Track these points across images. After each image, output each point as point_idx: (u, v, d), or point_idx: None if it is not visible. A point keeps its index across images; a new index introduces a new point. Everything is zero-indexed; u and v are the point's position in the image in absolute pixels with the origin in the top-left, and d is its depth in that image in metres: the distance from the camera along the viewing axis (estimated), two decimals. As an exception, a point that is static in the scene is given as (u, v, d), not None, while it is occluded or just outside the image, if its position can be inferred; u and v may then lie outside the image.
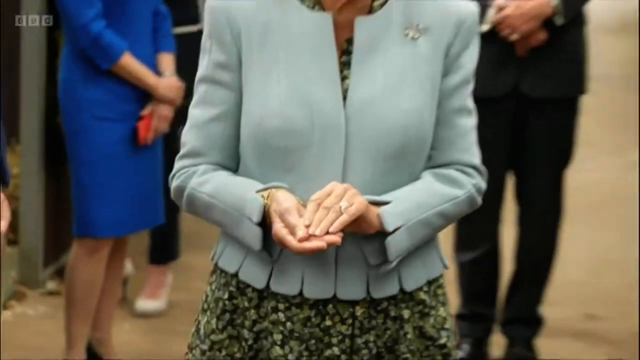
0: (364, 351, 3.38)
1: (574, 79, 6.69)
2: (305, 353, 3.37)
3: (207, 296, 3.47)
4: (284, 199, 3.19)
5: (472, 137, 3.46)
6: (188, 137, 3.41)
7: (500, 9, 6.31)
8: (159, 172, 6.27)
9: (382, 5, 3.34)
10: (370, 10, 3.33)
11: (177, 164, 3.42)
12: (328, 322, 3.36)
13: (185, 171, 3.40)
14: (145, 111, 6.08)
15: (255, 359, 3.40)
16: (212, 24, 3.37)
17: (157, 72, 6.16)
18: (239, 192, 3.31)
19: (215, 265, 3.45)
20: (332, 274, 3.31)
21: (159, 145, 6.26)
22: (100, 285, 6.14)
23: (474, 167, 3.43)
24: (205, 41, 3.41)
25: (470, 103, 3.43)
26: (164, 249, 7.35)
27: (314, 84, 3.32)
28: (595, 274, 7.47)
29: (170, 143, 6.51)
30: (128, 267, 7.10)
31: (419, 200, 3.33)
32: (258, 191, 3.23)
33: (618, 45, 12.54)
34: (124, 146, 6.01)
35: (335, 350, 3.37)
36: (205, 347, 3.41)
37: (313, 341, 3.36)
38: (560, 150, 6.78)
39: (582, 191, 6.99)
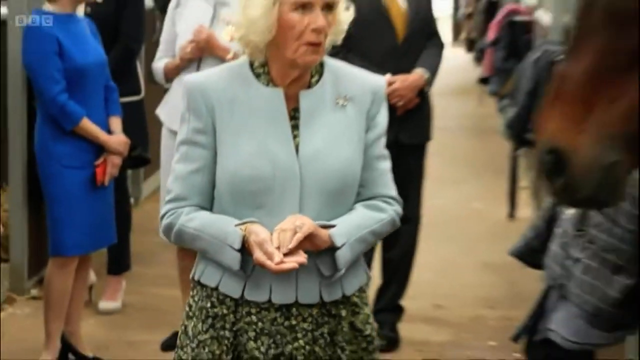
0: (321, 341, 3.58)
1: (427, 130, 6.99)
2: (273, 346, 3.54)
3: (190, 306, 3.64)
4: (260, 232, 3.37)
5: (389, 176, 3.69)
6: (173, 187, 3.56)
7: (390, 83, 6.47)
8: (112, 205, 6.43)
9: (317, 81, 3.56)
10: (309, 85, 3.55)
11: (165, 207, 3.58)
12: (293, 322, 3.54)
13: (173, 212, 3.53)
14: (100, 160, 6.17)
15: (235, 353, 3.57)
16: (189, 99, 3.53)
17: (109, 131, 6.28)
18: (221, 226, 3.46)
19: (197, 282, 3.61)
20: (294, 284, 3.50)
21: (111, 184, 6.35)
22: (70, 291, 6.26)
23: (393, 198, 3.68)
24: (184, 112, 3.54)
25: (385, 151, 3.68)
26: (119, 262, 7.44)
27: (274, 142, 3.48)
28: (442, 275, 7.72)
29: (118, 183, 6.73)
30: (92, 276, 7.11)
31: (357, 223, 3.53)
32: (237, 225, 3.41)
33: (456, 104, 12.88)
34: (85, 186, 6.16)
35: (301, 342, 3.55)
36: (193, 345, 3.59)
37: (279, 336, 3.53)
38: (419, 178, 6.98)
39: (430, 213, 7.24)
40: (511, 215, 8.04)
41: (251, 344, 3.55)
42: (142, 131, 7.12)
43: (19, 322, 7.08)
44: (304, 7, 3.40)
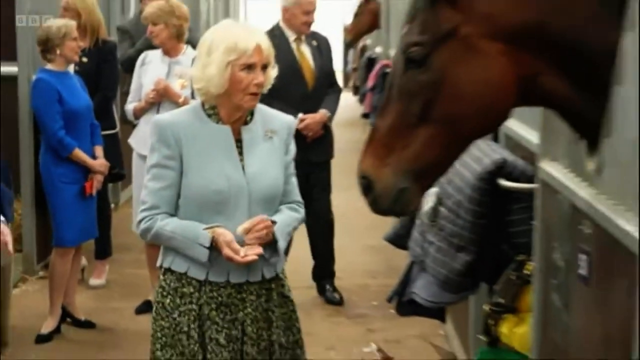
0: (260, 308, 3.62)
1: (330, 150, 7.08)
2: (229, 313, 3.56)
3: (163, 287, 3.59)
4: (227, 234, 3.44)
5: (297, 187, 3.81)
6: (147, 199, 3.54)
7: (302, 119, 6.61)
8: (95, 208, 6.40)
9: (251, 119, 3.62)
10: (246, 122, 3.61)
11: (141, 214, 3.56)
12: (244, 295, 3.58)
13: (149, 219, 3.51)
14: (89, 179, 6.22)
15: (199, 321, 3.55)
16: (160, 134, 3.52)
17: (94, 156, 6.30)
18: (192, 229, 3.48)
19: (167, 269, 3.58)
20: (245, 268, 3.53)
21: (95, 195, 6.35)
22: (68, 273, 6.26)
23: (301, 202, 3.80)
24: (154, 144, 3.53)
25: (294, 170, 3.78)
26: (104, 250, 7.33)
27: (228, 166, 3.53)
28: (338, 256, 7.35)
29: (101, 193, 6.68)
30: (84, 261, 7.09)
31: (286, 222, 3.64)
32: (205, 229, 3.46)
33: (347, 133, 12.93)
34: (76, 196, 6.17)
35: (249, 309, 3.59)
36: (170, 315, 3.56)
37: (233, 306, 3.57)
38: (328, 186, 7.07)
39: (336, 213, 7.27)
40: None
41: (213, 313, 3.55)
42: (118, 155, 7.09)
43: (30, 296, 7.02)
44: (249, 68, 3.46)
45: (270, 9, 24.92)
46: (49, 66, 6.20)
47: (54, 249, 6.33)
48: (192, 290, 3.57)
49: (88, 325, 6.46)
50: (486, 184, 3.96)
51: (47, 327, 6.21)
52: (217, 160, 3.54)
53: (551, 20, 2.60)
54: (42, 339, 6.16)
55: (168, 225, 3.52)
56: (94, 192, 6.30)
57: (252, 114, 3.65)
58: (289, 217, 3.70)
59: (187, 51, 6.54)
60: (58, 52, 6.11)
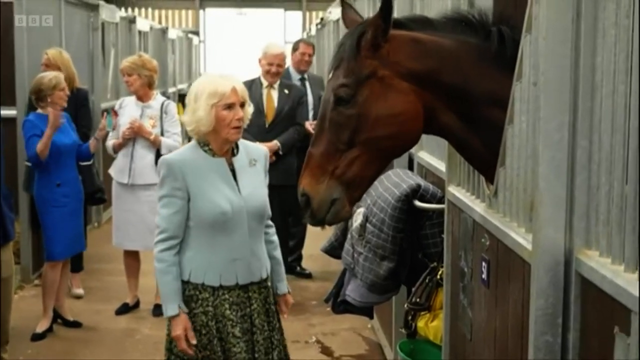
0: (262, 302, 3.64)
1: (294, 175, 6.98)
2: (239, 310, 3.56)
3: (184, 293, 3.53)
4: (184, 324, 3.48)
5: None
6: (161, 223, 3.51)
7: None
8: (82, 226, 6.34)
9: (238, 151, 3.63)
10: (234, 154, 3.62)
11: (157, 237, 3.52)
12: (250, 294, 3.60)
13: (163, 250, 3.50)
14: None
15: (217, 318, 3.53)
16: (168, 169, 3.50)
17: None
18: (171, 296, 3.49)
19: (186, 281, 3.53)
20: (249, 272, 3.57)
21: (82, 217, 6.33)
22: (58, 281, 6.18)
23: (270, 214, 3.75)
24: (164, 177, 3.51)
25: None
26: (78, 265, 7.01)
27: (228, 191, 3.53)
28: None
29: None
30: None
31: (282, 272, 3.82)
32: (177, 305, 3.47)
33: None
34: (64, 217, 6.06)
35: (254, 305, 3.60)
36: (190, 316, 3.53)
37: (242, 304, 3.57)
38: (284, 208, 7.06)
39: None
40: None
41: (227, 311, 3.53)
42: (94, 181, 6.72)
43: (27, 300, 6.91)
44: (229, 107, 3.50)
45: (224, 59, 25.33)
46: (39, 110, 6.12)
47: (45, 262, 6.23)
48: (207, 295, 3.55)
49: (76, 324, 6.36)
50: (404, 204, 3.99)
51: (41, 327, 6.14)
52: (218, 187, 3.53)
53: (441, 70, 2.72)
54: (37, 337, 6.07)
55: (166, 275, 3.51)
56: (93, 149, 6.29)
57: (237, 147, 3.65)
58: (280, 265, 3.83)
59: (156, 97, 6.57)
60: (49, 100, 6.04)
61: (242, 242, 3.54)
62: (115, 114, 6.45)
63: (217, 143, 3.56)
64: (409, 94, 2.71)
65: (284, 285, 3.81)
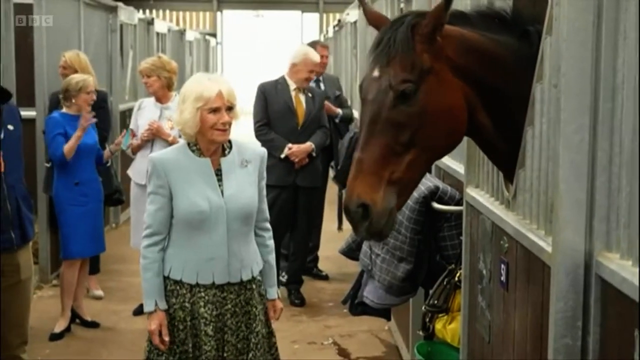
0: (239, 305, 3.63)
1: (320, 177, 7.21)
2: (214, 309, 3.58)
3: (166, 287, 3.60)
4: (160, 320, 3.55)
5: (267, 207, 3.82)
6: (146, 219, 3.60)
7: (290, 148, 6.74)
8: (102, 228, 6.38)
9: (229, 152, 3.63)
10: (224, 154, 3.62)
11: (144, 232, 3.60)
12: (225, 294, 3.60)
13: (147, 248, 3.58)
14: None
15: (191, 315, 3.58)
16: (153, 167, 3.56)
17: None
18: (152, 293, 3.58)
19: (166, 277, 3.60)
20: (227, 272, 3.58)
21: (102, 217, 6.39)
22: (75, 281, 6.22)
23: (268, 219, 3.80)
24: (150, 175, 3.57)
25: (265, 193, 3.77)
26: (95, 267, 7.04)
27: (208, 190, 3.55)
28: (319, 265, 7.45)
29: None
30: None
31: (273, 276, 3.82)
32: (156, 302, 3.55)
33: None
34: (81, 217, 6.09)
35: (229, 306, 3.61)
36: (170, 311, 3.58)
37: (218, 303, 3.59)
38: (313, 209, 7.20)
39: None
40: (340, 228, 8.01)
41: (202, 309, 3.57)
42: (112, 181, 6.87)
43: (45, 301, 6.93)
44: (215, 111, 3.51)
45: (241, 60, 25.38)
46: (64, 110, 6.18)
47: (63, 261, 6.27)
48: (184, 291, 3.59)
49: (94, 325, 6.40)
50: (422, 206, 3.98)
51: (59, 327, 6.18)
52: (199, 186, 3.55)
53: (484, 69, 2.64)
54: (55, 337, 6.11)
55: (147, 272, 3.60)
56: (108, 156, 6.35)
57: (230, 147, 3.65)
58: (271, 270, 3.82)
59: (175, 98, 6.54)
60: (73, 101, 6.12)
61: (220, 242, 3.56)
62: (133, 134, 6.47)
63: (204, 143, 3.59)
64: (459, 90, 2.60)
65: (274, 290, 3.81)
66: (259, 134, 6.85)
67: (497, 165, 2.97)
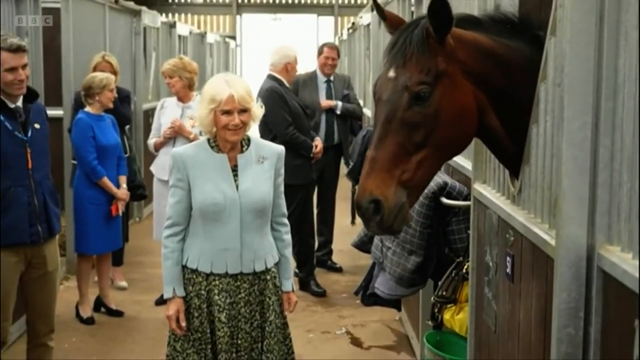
0: (253, 294, 3.65)
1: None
2: (228, 297, 3.60)
3: (184, 276, 3.64)
4: (178, 306, 3.60)
5: (284, 203, 3.81)
6: (168, 211, 3.65)
7: (316, 146, 6.76)
8: (120, 225, 6.40)
9: (247, 148, 3.66)
10: (242, 151, 3.66)
11: (165, 223, 3.65)
12: (238, 283, 3.63)
13: (168, 238, 3.63)
14: (113, 202, 6.14)
15: (207, 302, 3.61)
16: (173, 162, 3.61)
17: (118, 185, 6.22)
18: (170, 279, 3.63)
19: (184, 266, 3.63)
20: (239, 262, 3.60)
21: (120, 216, 6.35)
22: (90, 273, 6.33)
23: (285, 214, 3.82)
24: (171, 169, 3.62)
25: (283, 189, 3.77)
26: (119, 259, 7.13)
27: (224, 184, 3.58)
28: (333, 258, 7.50)
29: (124, 214, 6.69)
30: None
31: (289, 270, 3.82)
32: (174, 289, 3.60)
33: None
34: (99, 216, 6.12)
35: (242, 294, 3.63)
36: (187, 298, 3.63)
37: (231, 291, 3.61)
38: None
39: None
40: (353, 222, 8.04)
41: (216, 296, 3.60)
42: (133, 172, 6.87)
43: (71, 291, 6.89)
44: (227, 112, 3.55)
45: (259, 62, 25.43)
46: (87, 109, 6.17)
47: (77, 255, 6.34)
48: (200, 279, 3.63)
49: (118, 313, 6.46)
50: (431, 201, 3.97)
51: (85, 312, 6.30)
52: (215, 180, 3.59)
53: (496, 74, 2.62)
54: (85, 321, 6.24)
55: (166, 261, 3.63)
56: (120, 213, 6.29)
57: (247, 144, 3.69)
58: (287, 264, 3.82)
59: (196, 98, 6.56)
60: (97, 98, 6.12)
61: (234, 233, 3.58)
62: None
63: (220, 141, 3.64)
64: (470, 93, 2.58)
65: (289, 283, 3.81)
66: (292, 137, 6.65)
67: (504, 164, 2.96)
